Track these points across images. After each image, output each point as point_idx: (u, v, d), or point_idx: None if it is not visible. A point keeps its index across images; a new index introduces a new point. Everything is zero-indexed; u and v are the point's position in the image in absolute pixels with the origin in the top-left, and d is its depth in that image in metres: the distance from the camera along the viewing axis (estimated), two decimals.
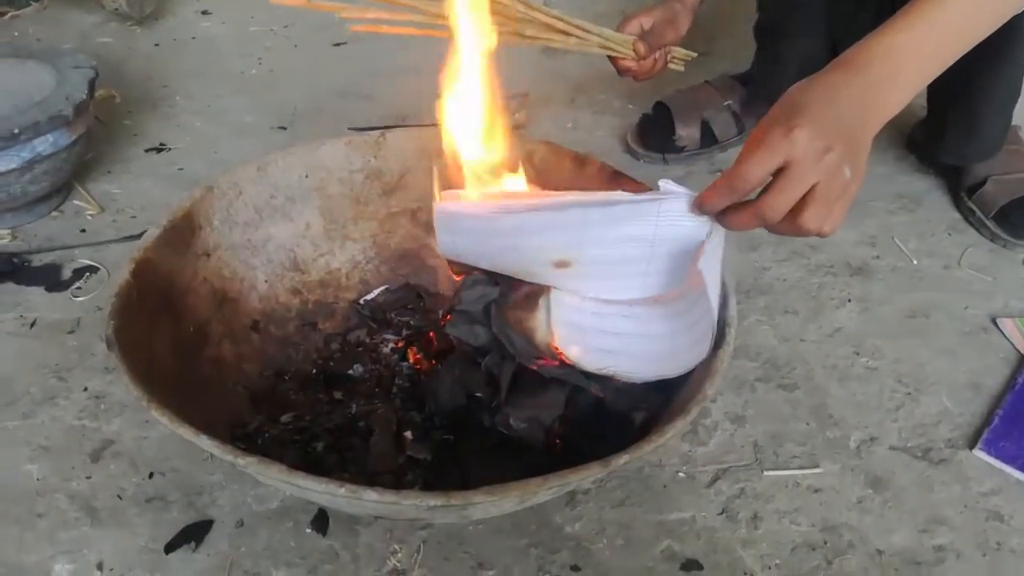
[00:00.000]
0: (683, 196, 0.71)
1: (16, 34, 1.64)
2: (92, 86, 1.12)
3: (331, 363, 0.90)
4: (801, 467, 0.85)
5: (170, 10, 1.75)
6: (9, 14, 1.69)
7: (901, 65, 0.70)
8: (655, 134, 1.33)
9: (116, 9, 1.66)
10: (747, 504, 0.81)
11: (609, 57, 1.15)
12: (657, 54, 1.15)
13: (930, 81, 0.74)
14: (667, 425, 0.66)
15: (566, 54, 1.64)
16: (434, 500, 0.60)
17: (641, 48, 1.12)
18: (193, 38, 1.67)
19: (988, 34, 0.74)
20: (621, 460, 0.63)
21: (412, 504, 0.61)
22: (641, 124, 1.37)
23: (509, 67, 1.65)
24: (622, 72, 1.17)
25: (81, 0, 1.69)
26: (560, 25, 1.07)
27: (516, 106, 1.36)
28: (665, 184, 0.75)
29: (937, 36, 0.71)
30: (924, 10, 0.70)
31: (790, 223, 0.66)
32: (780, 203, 0.65)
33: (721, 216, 0.69)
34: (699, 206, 0.68)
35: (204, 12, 1.76)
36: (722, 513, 0.81)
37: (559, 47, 1.10)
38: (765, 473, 0.85)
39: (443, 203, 0.75)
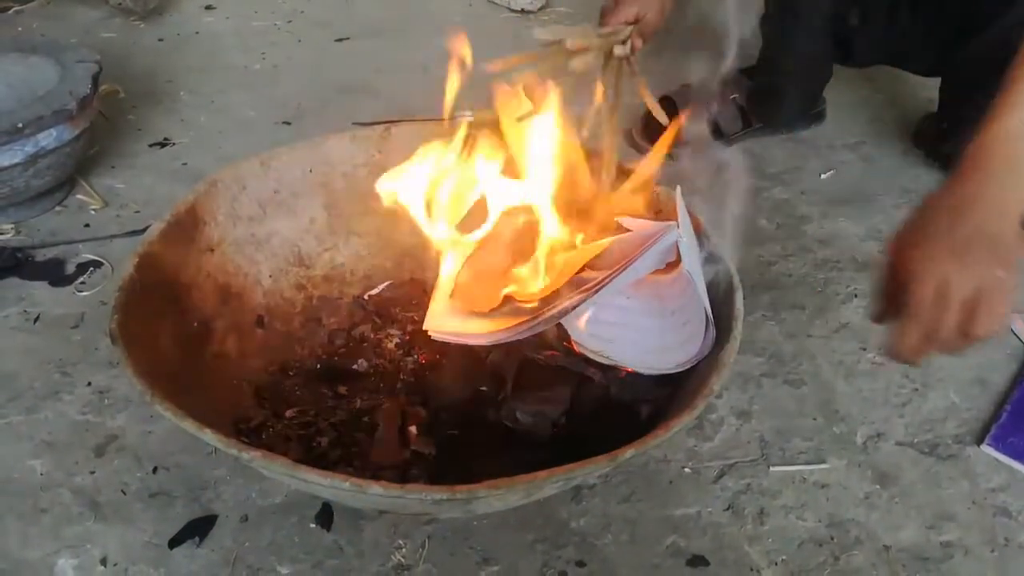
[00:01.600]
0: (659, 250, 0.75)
1: (20, 29, 1.64)
2: (96, 80, 1.12)
3: (335, 358, 0.90)
4: (807, 463, 0.85)
5: (174, 5, 1.74)
6: (13, 9, 1.69)
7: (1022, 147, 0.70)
8: (660, 129, 1.32)
9: (120, 4, 1.66)
10: (753, 500, 0.81)
11: None
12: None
13: None
14: (673, 419, 0.65)
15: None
16: (439, 494, 0.60)
17: (638, 43, 0.98)
18: (197, 33, 1.66)
19: None
20: (627, 454, 0.63)
21: (417, 498, 0.61)
22: (646, 118, 1.36)
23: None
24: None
25: None
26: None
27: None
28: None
29: None
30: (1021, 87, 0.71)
31: (961, 335, 0.67)
32: (949, 324, 0.67)
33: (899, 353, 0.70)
34: (899, 356, 0.69)
35: (208, 7, 1.75)
36: (728, 509, 0.80)
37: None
38: (771, 469, 0.84)
39: (433, 328, 0.77)
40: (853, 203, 1.22)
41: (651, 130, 1.33)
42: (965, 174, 0.71)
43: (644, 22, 1.00)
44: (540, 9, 1.78)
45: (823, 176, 1.28)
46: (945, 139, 1.25)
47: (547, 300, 0.76)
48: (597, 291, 0.72)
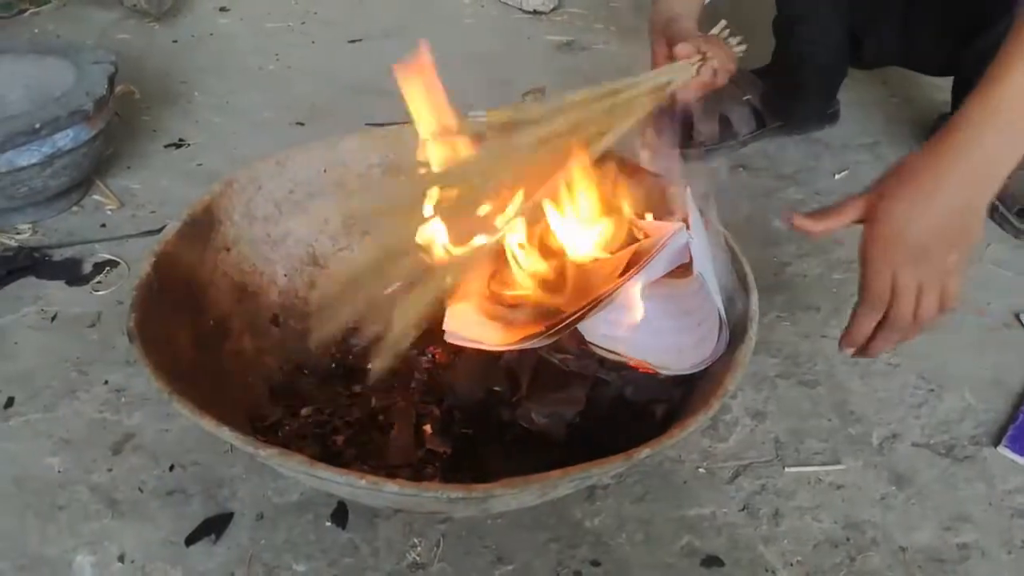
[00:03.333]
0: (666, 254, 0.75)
1: (36, 31, 1.65)
2: (112, 81, 1.13)
3: (350, 357, 0.90)
4: (823, 463, 0.85)
5: (188, 7, 1.75)
6: (29, 11, 1.70)
7: (1011, 119, 0.69)
8: (671, 128, 1.32)
9: (135, 6, 1.67)
10: (768, 500, 0.81)
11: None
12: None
13: None
14: (689, 419, 0.65)
15: (583, 50, 1.65)
16: (454, 492, 0.60)
17: (730, 67, 0.95)
18: (211, 34, 1.67)
19: None
20: (642, 453, 0.63)
21: (432, 496, 0.61)
22: (656, 118, 1.35)
23: (525, 64, 1.65)
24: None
25: None
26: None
27: (532, 100, 1.35)
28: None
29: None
30: (1015, 53, 0.69)
31: (914, 324, 0.73)
32: (905, 313, 0.72)
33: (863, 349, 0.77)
34: (850, 344, 0.78)
35: (222, 9, 1.77)
36: (743, 509, 0.80)
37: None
38: (786, 469, 0.84)
39: (451, 330, 0.75)
40: None
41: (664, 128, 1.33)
42: (949, 151, 0.71)
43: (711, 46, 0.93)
44: (552, 10, 1.78)
45: (837, 176, 1.28)
46: None
47: (563, 307, 0.76)
48: (610, 296, 0.72)
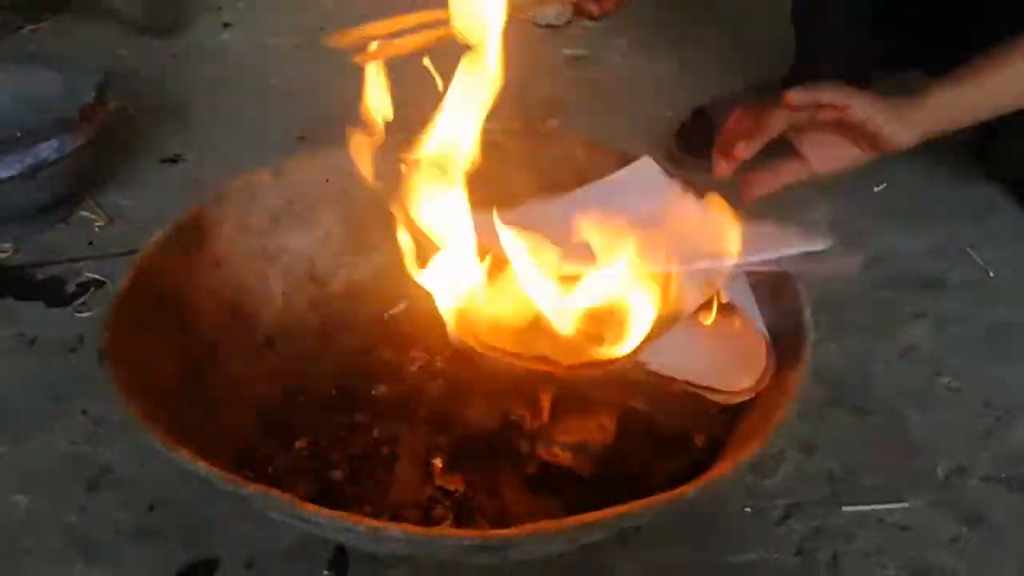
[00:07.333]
0: None
1: (34, 47, 1.61)
2: (101, 90, 1.07)
3: (351, 383, 0.82)
4: (884, 501, 0.76)
5: (190, 23, 1.71)
6: (27, 27, 1.66)
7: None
8: (695, 142, 1.26)
9: (135, 22, 1.63)
10: (825, 544, 0.72)
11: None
12: None
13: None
14: (742, 450, 0.57)
15: (596, 64, 1.59)
16: (470, 539, 0.52)
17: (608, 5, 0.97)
18: (213, 50, 1.63)
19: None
20: (690, 492, 0.54)
21: (444, 543, 0.53)
22: (680, 133, 1.29)
23: (539, 77, 1.58)
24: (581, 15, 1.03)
25: (99, 13, 1.65)
26: None
27: (552, 125, 1.30)
28: None
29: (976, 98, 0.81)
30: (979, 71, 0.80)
31: None
32: None
33: None
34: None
35: (225, 24, 1.72)
36: (797, 554, 0.71)
37: None
38: (844, 508, 0.75)
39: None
40: (910, 218, 1.14)
41: (690, 143, 1.26)
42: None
43: None
44: (567, 23, 1.73)
45: (877, 189, 1.20)
46: (1001, 157, 1.18)
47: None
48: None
